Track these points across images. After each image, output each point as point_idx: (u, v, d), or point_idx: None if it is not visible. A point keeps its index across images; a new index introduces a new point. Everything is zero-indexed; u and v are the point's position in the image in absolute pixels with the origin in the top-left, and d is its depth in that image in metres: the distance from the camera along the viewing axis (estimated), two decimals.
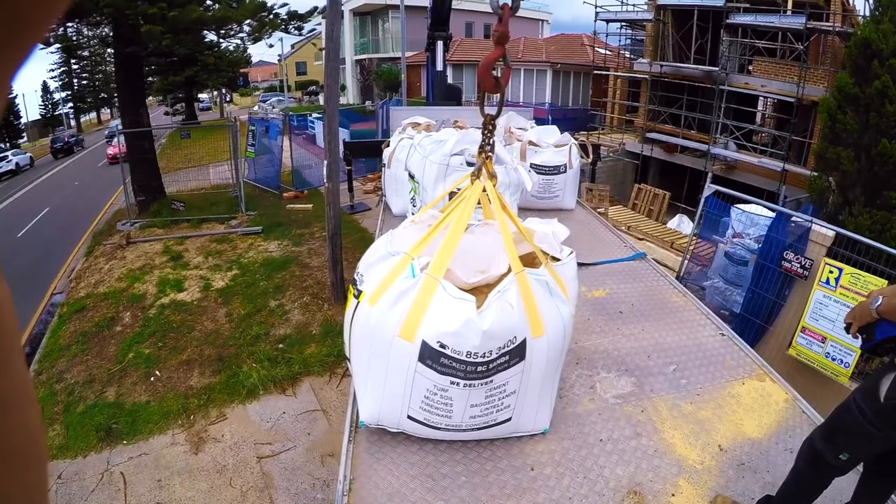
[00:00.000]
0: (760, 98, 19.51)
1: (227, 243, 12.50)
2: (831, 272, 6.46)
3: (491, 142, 2.89)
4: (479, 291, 2.44)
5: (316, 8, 16.48)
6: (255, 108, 44.16)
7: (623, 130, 22.50)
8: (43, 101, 62.28)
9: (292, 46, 62.40)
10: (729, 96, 18.24)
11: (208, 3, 14.94)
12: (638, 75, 22.21)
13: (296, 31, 18.02)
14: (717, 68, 18.49)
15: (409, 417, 2.59)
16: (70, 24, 18.86)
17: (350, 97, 42.79)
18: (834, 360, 6.38)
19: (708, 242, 9.53)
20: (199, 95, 53.02)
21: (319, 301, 9.41)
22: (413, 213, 5.15)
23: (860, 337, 2.34)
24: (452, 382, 2.40)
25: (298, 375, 7.52)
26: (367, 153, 12.01)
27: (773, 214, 8.01)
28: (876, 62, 9.62)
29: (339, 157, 9.89)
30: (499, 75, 2.88)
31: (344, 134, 18.52)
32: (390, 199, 6.47)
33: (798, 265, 6.98)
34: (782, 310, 7.29)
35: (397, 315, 2.41)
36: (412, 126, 7.64)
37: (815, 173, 10.98)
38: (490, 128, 2.89)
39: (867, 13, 16.32)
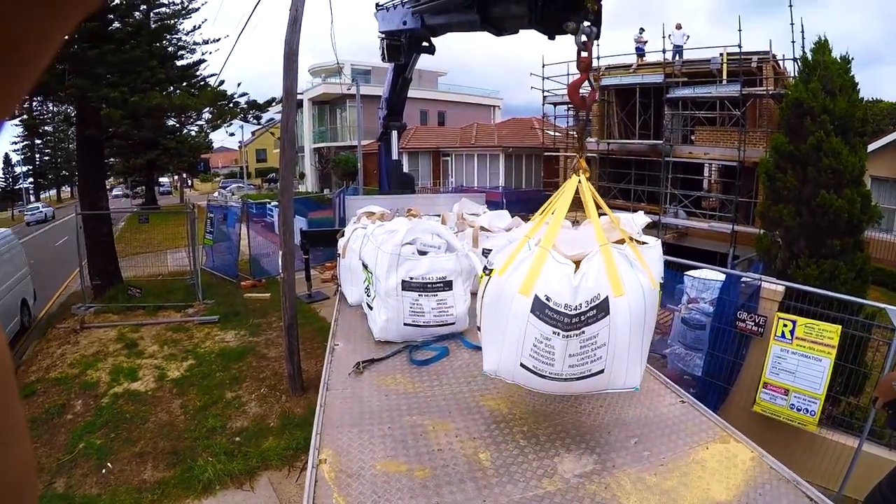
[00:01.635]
0: (705, 165, 20.25)
1: (183, 332, 12.28)
2: (785, 326, 6.63)
3: (584, 143, 3.68)
4: (576, 263, 3.12)
5: (274, 98, 16.80)
6: (216, 194, 44.10)
7: (576, 209, 22.91)
8: (3, 174, 62.90)
9: (252, 134, 62.20)
10: (675, 166, 19.02)
11: (170, 89, 15.10)
12: (587, 154, 22.77)
13: (254, 120, 18.27)
14: (661, 141, 19.26)
15: (522, 365, 3.19)
16: (36, 98, 18.85)
17: (309, 185, 43.44)
18: (799, 410, 6.49)
19: (665, 310, 9.67)
20: (160, 179, 53.49)
21: (277, 393, 9.24)
22: (368, 304, 5.20)
23: (887, 412, 2.36)
24: (554, 332, 3.00)
25: (256, 469, 7.27)
26: (323, 242, 11.85)
27: (723, 277, 8.19)
28: (808, 119, 10.16)
29: (295, 246, 9.89)
30: (586, 95, 3.59)
31: (302, 222, 18.56)
32: (346, 289, 6.45)
33: (752, 324, 7.15)
34: (742, 369, 7.43)
35: (518, 278, 3.13)
36: (367, 215, 7.72)
37: (762, 231, 11.37)
38: (580, 133, 3.85)
39: (795, 74, 17.41)
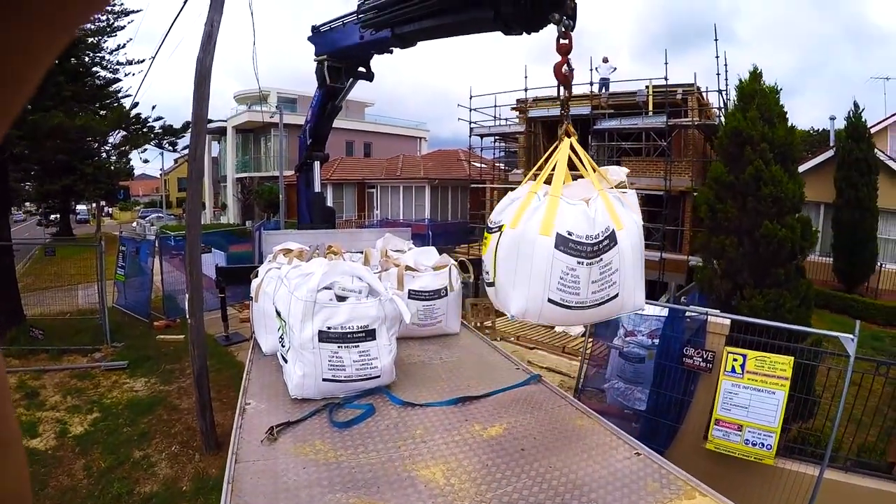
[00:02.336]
0: None
1: (89, 379, 11.26)
2: (735, 360, 6.45)
3: (568, 111, 4.23)
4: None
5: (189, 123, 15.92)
6: (134, 223, 42.43)
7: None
8: None
9: (175, 161, 61.12)
10: None
11: (76, 109, 13.97)
12: (514, 186, 22.65)
13: (170, 147, 17.40)
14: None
15: (550, 300, 3.57)
16: None
17: (231, 216, 42.17)
18: (755, 444, 6.31)
19: (601, 341, 9.42)
20: (78, 207, 51.28)
21: (189, 451, 8.40)
22: (283, 355, 4.65)
23: None
24: (578, 262, 3.49)
25: None
26: (241, 279, 10.94)
27: (661, 311, 7.94)
28: (748, 148, 10.16)
29: (210, 283, 9.06)
30: (567, 73, 4.21)
31: (220, 257, 17.64)
32: (259, 336, 5.86)
33: (700, 359, 6.93)
34: (691, 406, 7.18)
35: (535, 223, 3.57)
36: (283, 253, 7.12)
37: (698, 261, 11.30)
38: (567, 101, 4.29)
39: (720, 105, 17.85)
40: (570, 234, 3.50)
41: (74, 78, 14.19)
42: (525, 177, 4.48)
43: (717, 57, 17.54)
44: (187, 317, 8.15)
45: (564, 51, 4.21)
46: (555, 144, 4.11)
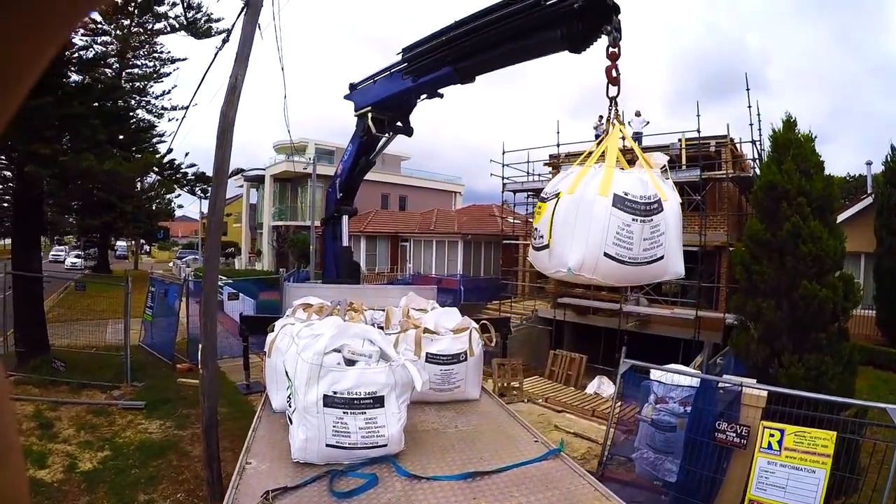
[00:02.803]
0: None
1: (104, 416, 11.11)
2: (772, 436, 6.03)
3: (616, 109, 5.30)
4: None
5: (240, 170, 16.09)
6: (171, 263, 42.94)
7: (535, 297, 22.52)
8: None
9: None
10: None
11: (115, 151, 14.21)
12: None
13: (202, 194, 17.49)
14: None
15: (605, 254, 4.23)
16: None
17: (266, 263, 42.47)
18: None
19: (631, 402, 9.03)
20: (118, 243, 52.29)
21: (195, 500, 8.15)
22: (289, 415, 4.44)
23: None
24: (633, 219, 4.18)
25: None
26: (264, 329, 10.86)
27: (693, 380, 7.59)
28: (784, 204, 9.58)
29: (231, 331, 8.90)
30: (615, 75, 5.27)
31: (250, 304, 17.65)
32: (271, 392, 5.74)
33: (734, 434, 6.49)
34: (723, 485, 6.74)
35: (594, 186, 4.31)
36: (303, 307, 6.96)
37: (735, 320, 10.73)
38: (615, 103, 5.35)
39: (754, 156, 17.48)
40: (626, 193, 4.33)
41: (112, 121, 14.45)
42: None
43: (750, 107, 17.12)
44: (199, 366, 8.00)
45: (614, 57, 5.32)
46: (603, 135, 5.47)
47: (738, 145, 18.72)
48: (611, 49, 5.32)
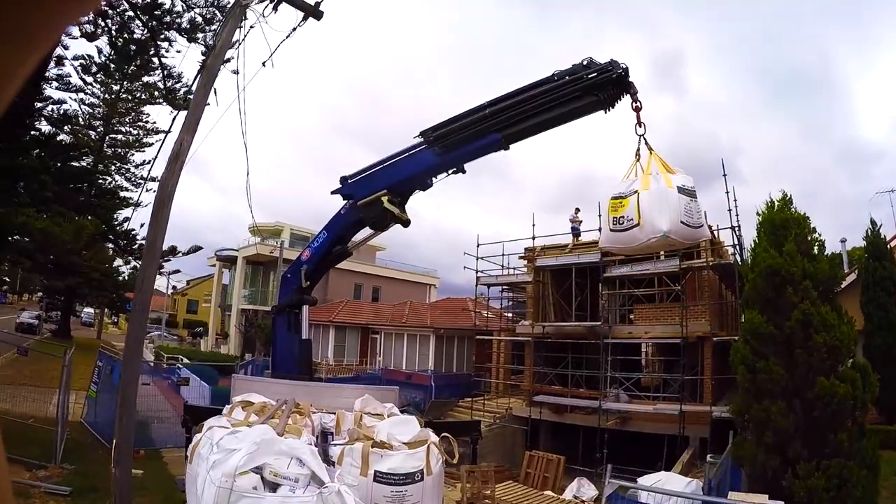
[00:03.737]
0: (642, 343, 19.50)
1: (23, 498, 9.63)
2: None
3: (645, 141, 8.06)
4: None
5: (175, 248, 15.40)
6: None
7: (509, 395, 21.58)
8: None
9: (188, 283, 63.27)
10: (613, 348, 18.08)
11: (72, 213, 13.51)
12: (521, 337, 21.88)
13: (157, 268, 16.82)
14: (599, 322, 18.40)
15: (681, 222, 7.18)
16: None
17: (232, 347, 40.85)
18: None
19: None
20: (86, 310, 51.61)
21: None
22: None
23: None
24: (691, 200, 7.52)
25: None
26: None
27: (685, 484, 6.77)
28: (790, 290, 8.81)
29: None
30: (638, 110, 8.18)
31: (206, 391, 16.50)
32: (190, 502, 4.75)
33: None
34: None
35: (662, 184, 7.30)
36: (242, 405, 6.08)
37: (722, 412, 9.71)
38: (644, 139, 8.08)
39: (734, 243, 17.20)
40: (683, 185, 7.26)
41: (70, 180, 13.89)
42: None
43: (728, 192, 16.82)
44: (112, 466, 6.98)
45: (638, 109, 8.17)
46: (637, 149, 8.10)
47: (715, 233, 18.35)
48: (634, 105, 8.26)
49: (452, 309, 30.75)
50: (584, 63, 8.64)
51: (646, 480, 7.87)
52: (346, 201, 10.91)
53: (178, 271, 35.92)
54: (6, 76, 0.39)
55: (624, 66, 8.27)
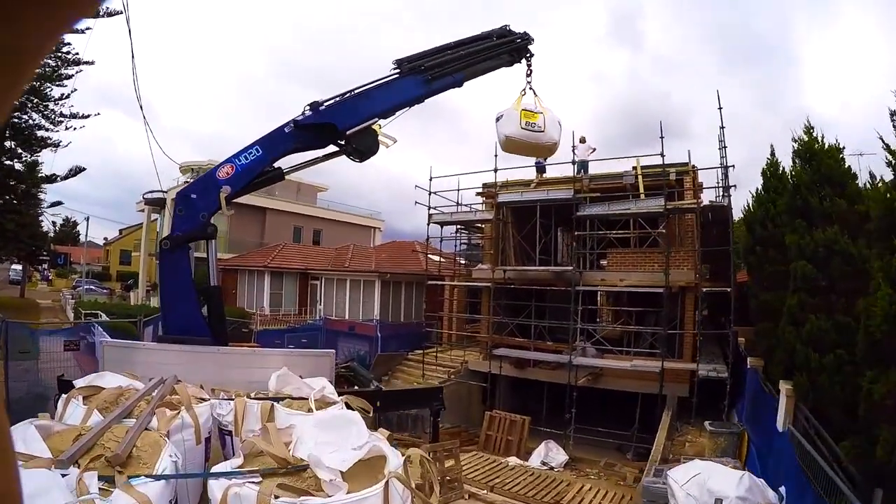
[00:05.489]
0: (598, 293, 17.93)
1: None
2: None
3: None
4: None
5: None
6: (64, 292, 39.31)
7: (464, 347, 19.41)
8: None
9: (120, 232, 60.13)
10: (583, 297, 16.27)
11: None
12: (478, 283, 19.60)
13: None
14: (569, 268, 16.35)
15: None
16: None
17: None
18: None
19: None
20: (13, 266, 47.55)
21: None
22: None
23: None
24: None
25: None
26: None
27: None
28: None
29: None
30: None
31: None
32: None
33: None
34: None
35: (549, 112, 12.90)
36: (84, 396, 3.73)
37: (710, 371, 7.94)
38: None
39: (722, 184, 16.13)
40: (553, 116, 12.57)
41: None
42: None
43: (723, 127, 14.82)
44: None
45: (530, 67, 12.75)
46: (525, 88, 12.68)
47: (698, 174, 16.38)
48: (529, 67, 12.65)
49: (400, 252, 28.28)
50: (508, 29, 12.42)
51: (679, 473, 5.92)
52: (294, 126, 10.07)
53: (59, 203, 32.57)
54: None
55: (532, 38, 12.69)
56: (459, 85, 11.63)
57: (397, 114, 11.11)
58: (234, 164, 9.20)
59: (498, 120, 12.27)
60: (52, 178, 29.44)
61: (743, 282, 14.22)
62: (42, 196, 30.07)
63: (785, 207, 10.44)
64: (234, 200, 9.48)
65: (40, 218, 32.51)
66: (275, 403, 3.97)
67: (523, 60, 12.52)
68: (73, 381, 4.70)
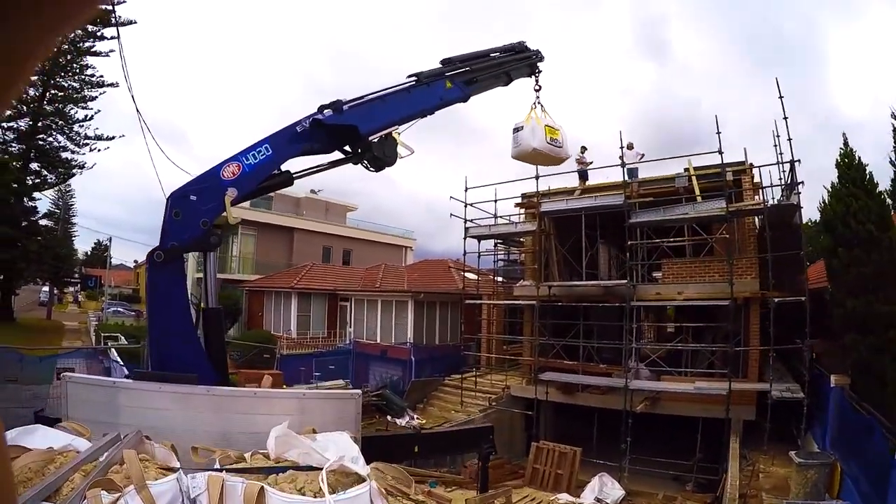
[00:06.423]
0: (641, 309, 16.36)
1: None
2: None
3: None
4: None
5: None
6: (91, 315, 38.64)
7: (505, 370, 18.00)
8: None
9: None
10: (638, 313, 15.00)
11: None
12: (521, 301, 18.10)
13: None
14: (623, 281, 15.04)
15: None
16: None
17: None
18: None
19: None
20: (43, 289, 48.24)
21: None
22: None
23: None
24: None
25: None
26: None
27: None
28: None
29: None
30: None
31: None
32: None
33: None
34: None
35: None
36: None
37: (783, 392, 6.98)
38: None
39: (781, 180, 15.01)
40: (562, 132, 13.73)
41: None
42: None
43: (786, 118, 13.23)
44: None
45: (538, 83, 14.00)
46: (535, 104, 13.78)
47: (755, 171, 14.96)
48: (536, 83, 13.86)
49: (433, 271, 27.00)
50: (524, 44, 13.66)
51: None
52: (312, 124, 9.41)
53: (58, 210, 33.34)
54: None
55: (543, 56, 14.10)
56: (465, 100, 12.27)
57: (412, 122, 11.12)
58: (241, 162, 8.03)
59: (517, 131, 13.32)
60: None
61: (814, 289, 12.75)
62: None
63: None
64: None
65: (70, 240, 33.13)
66: (265, 486, 2.65)
67: (532, 76, 13.93)
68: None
